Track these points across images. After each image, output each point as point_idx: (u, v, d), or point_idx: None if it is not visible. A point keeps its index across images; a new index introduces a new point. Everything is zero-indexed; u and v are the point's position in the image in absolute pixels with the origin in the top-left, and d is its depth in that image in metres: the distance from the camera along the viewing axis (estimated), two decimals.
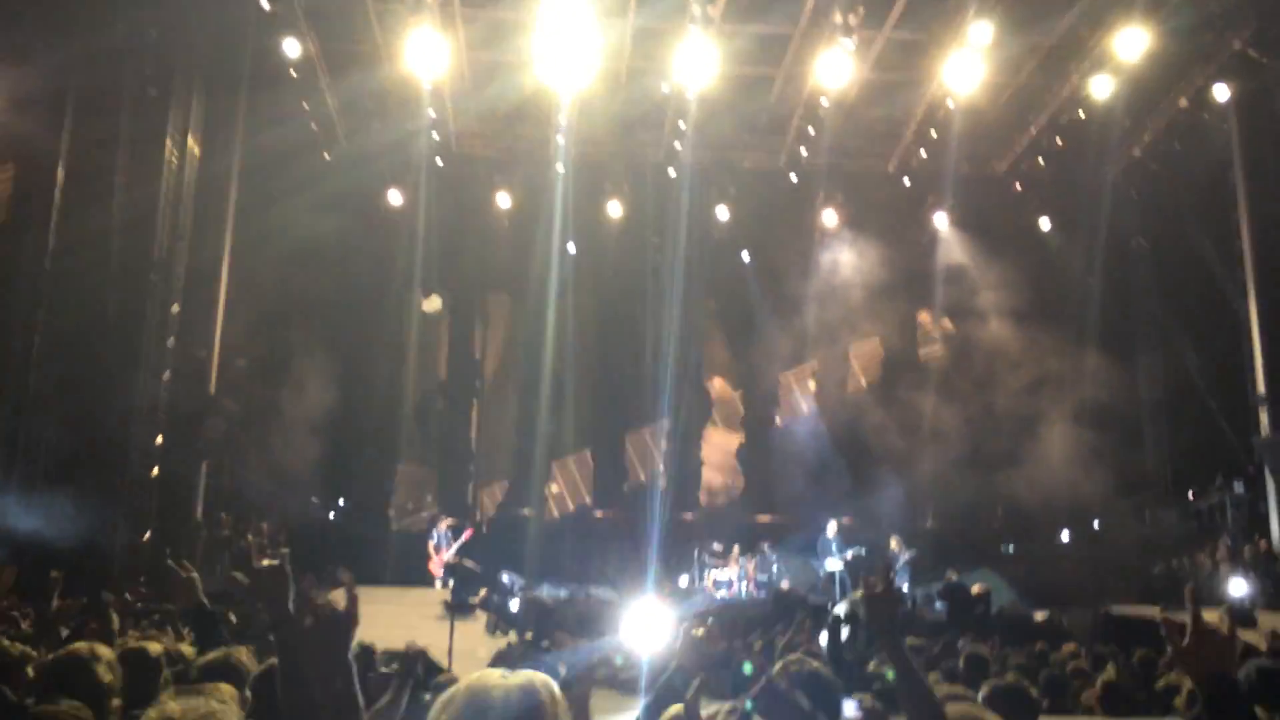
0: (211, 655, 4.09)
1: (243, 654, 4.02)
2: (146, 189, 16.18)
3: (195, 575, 5.00)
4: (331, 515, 20.36)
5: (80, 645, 3.85)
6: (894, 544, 18.91)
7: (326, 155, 20.66)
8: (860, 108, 20.10)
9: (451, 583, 16.17)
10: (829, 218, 22.61)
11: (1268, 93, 17.39)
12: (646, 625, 6.05)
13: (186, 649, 5.87)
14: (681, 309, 22.50)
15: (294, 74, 18.15)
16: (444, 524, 19.22)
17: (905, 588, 18.36)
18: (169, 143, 16.46)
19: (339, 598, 2.54)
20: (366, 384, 20.75)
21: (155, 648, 4.53)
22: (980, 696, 4.37)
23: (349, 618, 2.54)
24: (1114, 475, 18.75)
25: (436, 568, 18.43)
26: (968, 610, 15.54)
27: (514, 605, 15.06)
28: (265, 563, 2.79)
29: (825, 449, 22.28)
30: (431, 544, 18.89)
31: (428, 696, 6.46)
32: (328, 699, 2.43)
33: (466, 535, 18.72)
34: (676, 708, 3.16)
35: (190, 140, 16.87)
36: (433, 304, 22.85)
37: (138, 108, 16.13)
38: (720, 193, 22.52)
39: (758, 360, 23.48)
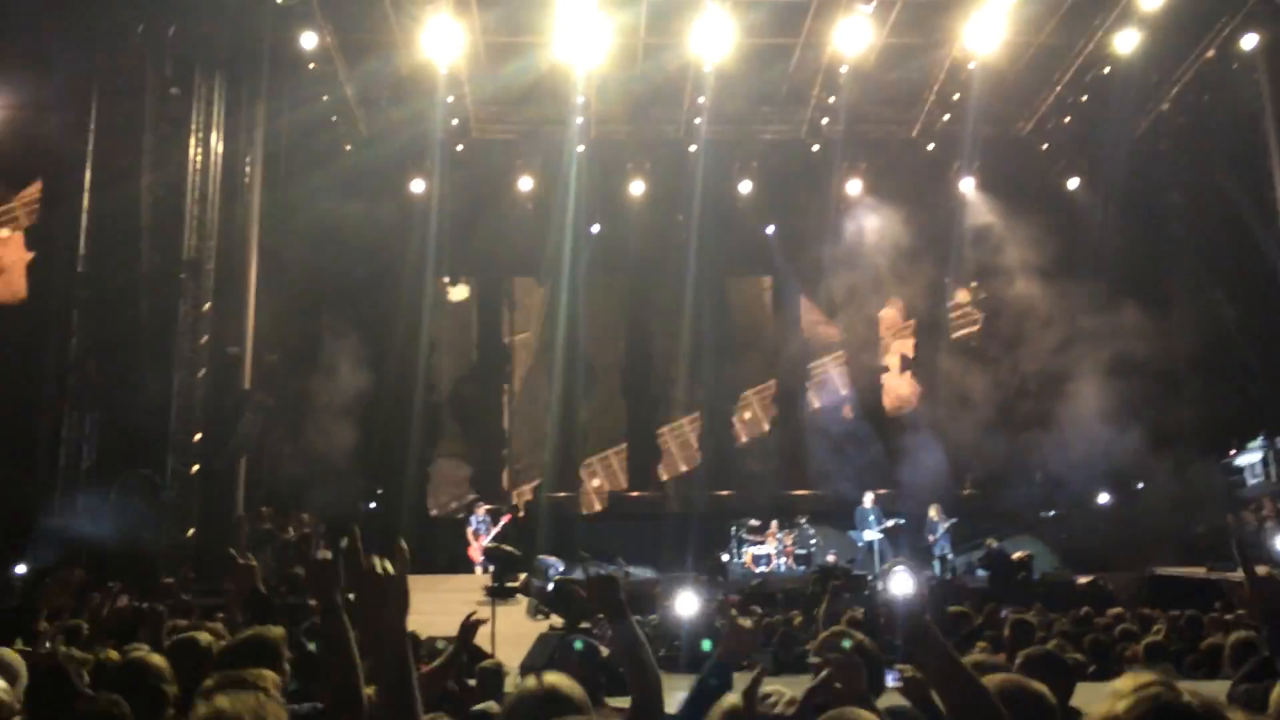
0: (245, 634, 4.12)
1: (275, 632, 4.04)
2: (173, 189, 16.34)
3: (254, 563, 5.60)
4: (371, 505, 20.51)
5: (137, 653, 3.92)
6: (933, 513, 18.84)
7: (348, 146, 20.72)
8: (880, 73, 19.87)
9: (492, 568, 16.28)
10: (853, 186, 22.42)
11: None
12: (685, 602, 6.07)
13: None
14: (709, 285, 22.49)
15: (312, 66, 18.20)
16: (482, 509, 19.37)
17: (948, 555, 18.30)
18: (193, 141, 16.58)
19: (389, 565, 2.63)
20: (398, 372, 20.84)
21: (205, 637, 4.59)
22: (1015, 665, 4.32)
23: (402, 582, 2.68)
24: (1152, 434, 18.55)
25: (476, 553, 18.55)
26: (1009, 577, 15.50)
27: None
28: (322, 554, 2.89)
29: (858, 419, 22.20)
30: (470, 530, 19.02)
31: (472, 682, 6.54)
32: (382, 667, 2.53)
33: (505, 520, 18.83)
34: (731, 699, 3.14)
35: (214, 137, 16.97)
36: (460, 292, 22.93)
37: (160, 107, 16.26)
38: (742, 166, 22.38)
39: (786, 333, 23.41)
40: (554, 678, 2.87)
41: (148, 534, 14.46)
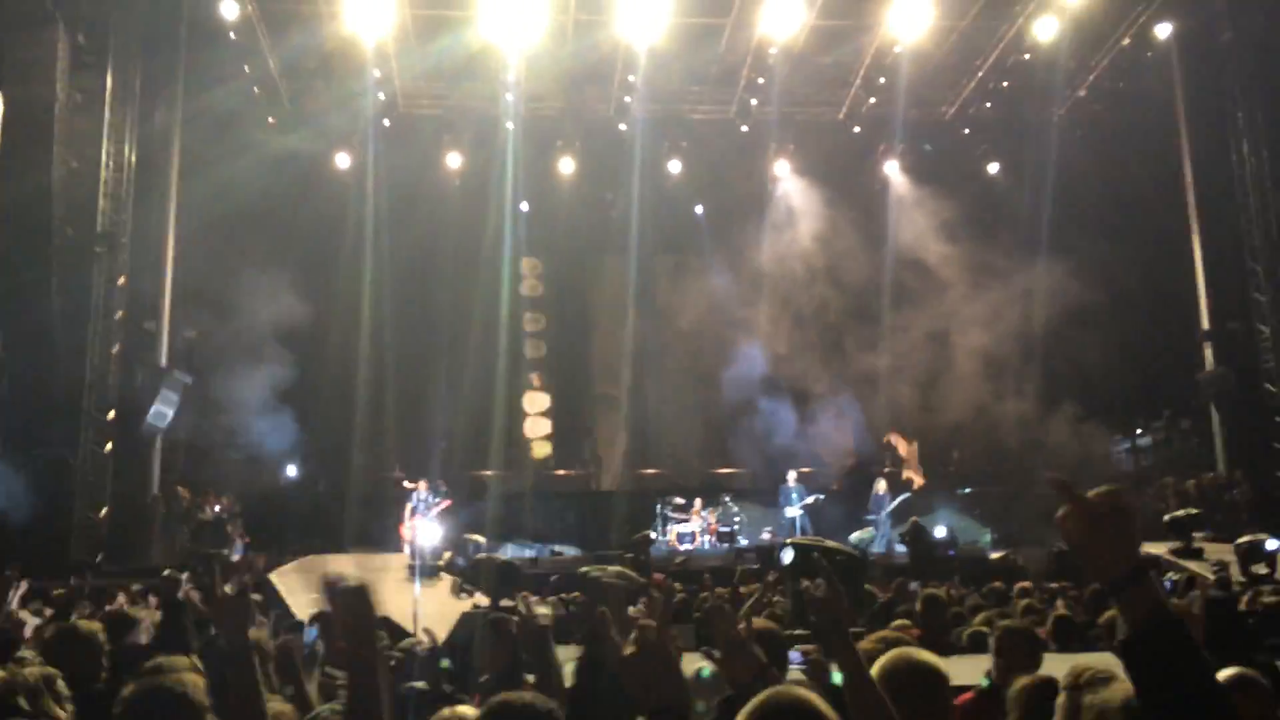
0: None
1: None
2: (85, 159, 15.88)
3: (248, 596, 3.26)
4: (292, 480, 20.18)
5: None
6: (880, 487, 18.98)
7: (271, 119, 20.31)
8: (809, 55, 20.03)
9: (409, 548, 16.18)
10: (781, 167, 22.61)
11: (1208, 30, 17.56)
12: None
13: None
14: (636, 264, 22.53)
15: (233, 36, 17.78)
16: (422, 486, 18.97)
17: (888, 532, 18.22)
18: (107, 111, 16.13)
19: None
20: (320, 349, 20.48)
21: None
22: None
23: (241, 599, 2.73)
24: (1062, 415, 19.10)
25: (409, 531, 18.33)
26: (928, 553, 15.84)
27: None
28: (227, 588, 2.81)
29: (779, 399, 22.41)
30: (409, 506, 18.68)
31: (393, 661, 6.54)
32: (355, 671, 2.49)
33: (444, 505, 18.59)
34: None
35: (128, 108, 16.52)
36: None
37: (73, 76, 15.77)
38: (672, 146, 22.42)
39: (711, 313, 23.55)
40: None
41: (58, 514, 14.11)
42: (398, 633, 8.77)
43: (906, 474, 19.92)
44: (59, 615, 9.06)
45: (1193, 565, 12.25)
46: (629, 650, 2.55)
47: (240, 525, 17.46)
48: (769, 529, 18.77)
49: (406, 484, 19.09)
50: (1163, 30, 18.18)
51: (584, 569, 11.04)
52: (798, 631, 5.10)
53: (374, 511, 19.10)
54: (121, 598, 10.68)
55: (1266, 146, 16.92)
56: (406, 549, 17.79)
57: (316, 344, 20.18)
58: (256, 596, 10.09)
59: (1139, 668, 1.78)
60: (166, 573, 11.52)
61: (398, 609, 10.54)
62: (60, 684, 3.74)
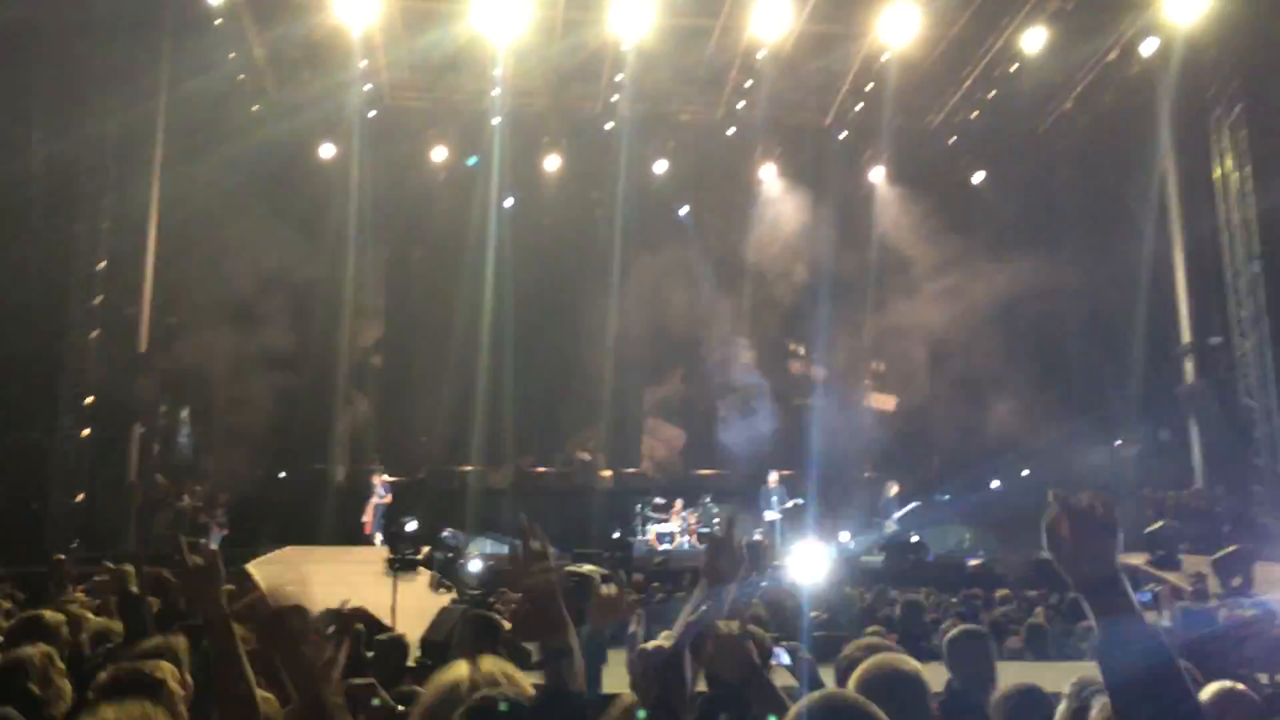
0: (147, 644, 3.92)
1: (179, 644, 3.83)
2: (66, 141, 15.70)
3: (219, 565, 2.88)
4: (280, 475, 20.10)
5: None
6: (893, 490, 18.93)
7: (256, 107, 20.17)
8: (797, 60, 20.05)
9: (380, 538, 16.20)
10: (767, 170, 22.65)
11: (1194, 45, 17.69)
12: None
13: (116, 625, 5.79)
14: (621, 263, 22.52)
15: (219, 23, 17.63)
16: (379, 479, 19.06)
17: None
18: (89, 92, 15.96)
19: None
20: (303, 341, 20.34)
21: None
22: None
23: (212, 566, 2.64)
24: (1044, 424, 19.22)
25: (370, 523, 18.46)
26: (903, 559, 15.91)
27: (472, 564, 15.04)
28: (195, 560, 2.73)
29: (763, 399, 22.45)
30: (373, 500, 18.78)
31: (370, 654, 6.49)
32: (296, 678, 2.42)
33: (387, 499, 18.66)
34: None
35: (111, 90, 16.34)
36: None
37: (56, 57, 15.60)
38: (658, 146, 22.42)
39: (694, 313, 23.58)
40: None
41: (34, 499, 13.95)
42: (376, 626, 8.71)
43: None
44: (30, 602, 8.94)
45: (1171, 577, 12.35)
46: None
47: (222, 515, 17.34)
48: (760, 531, 18.65)
49: (375, 479, 19.13)
50: (1149, 46, 18.32)
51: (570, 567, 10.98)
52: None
53: (353, 506, 19.07)
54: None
55: (1249, 163, 17.06)
56: (377, 541, 17.86)
57: (298, 335, 20.02)
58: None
59: (1113, 672, 1.83)
60: (114, 565, 11.43)
61: (376, 603, 10.47)
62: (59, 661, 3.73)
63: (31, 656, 3.63)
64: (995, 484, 20.48)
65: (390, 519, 18.14)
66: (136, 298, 16.87)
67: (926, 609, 10.08)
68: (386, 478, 19.19)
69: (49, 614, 4.92)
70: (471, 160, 21.78)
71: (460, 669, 2.39)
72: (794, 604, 8.36)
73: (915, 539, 17.20)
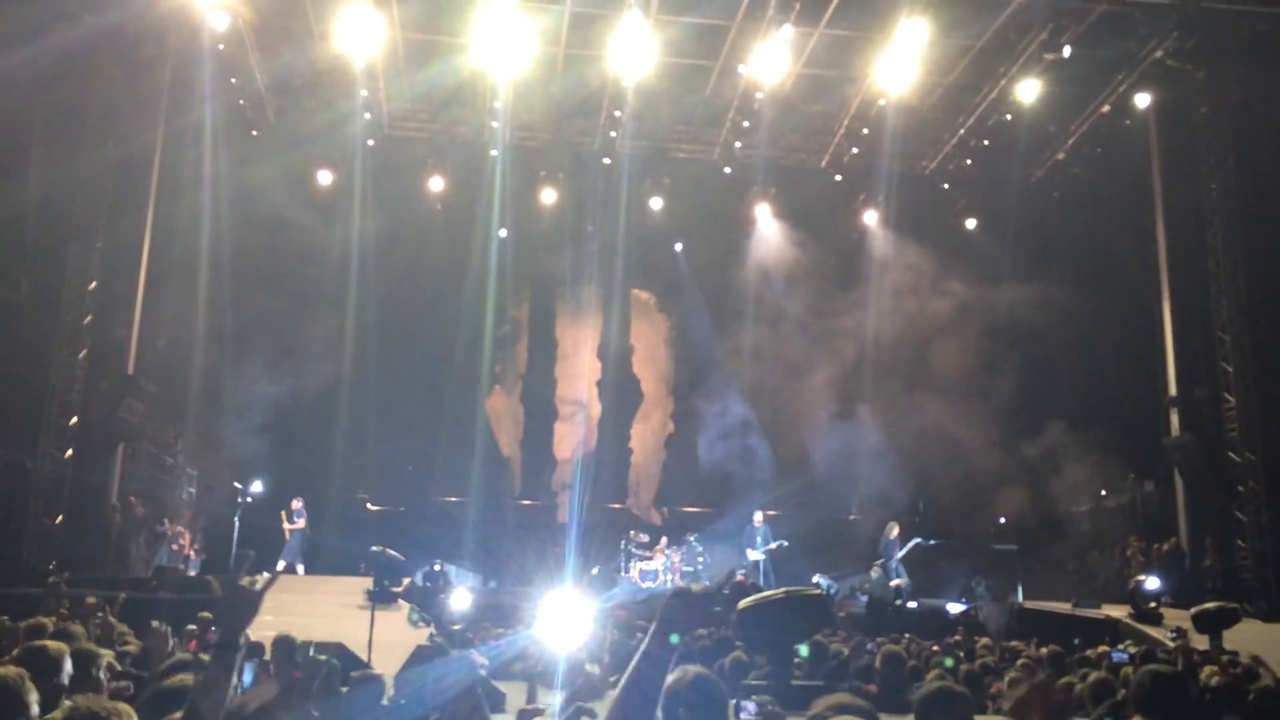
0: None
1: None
2: (63, 164, 15.74)
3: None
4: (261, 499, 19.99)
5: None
6: (894, 531, 18.78)
7: (255, 133, 20.27)
8: (795, 102, 20.23)
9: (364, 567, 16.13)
10: (762, 210, 22.75)
11: (1186, 102, 17.87)
12: (563, 619, 5.88)
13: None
14: (616, 297, 22.62)
15: (222, 48, 17.76)
16: (298, 502, 18.91)
17: (901, 580, 17.91)
18: (88, 117, 16.02)
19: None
20: (296, 370, 20.16)
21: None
22: None
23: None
24: (1029, 475, 19.26)
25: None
26: (884, 606, 15.83)
27: (458, 596, 14.89)
28: (248, 580, 2.82)
29: (753, 440, 22.44)
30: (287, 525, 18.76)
31: (345, 689, 6.42)
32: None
33: (299, 524, 18.64)
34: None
35: (110, 116, 16.41)
36: None
37: (55, 82, 15.66)
38: (654, 182, 22.55)
39: (684, 349, 23.66)
40: None
41: (14, 520, 13.86)
42: (351, 662, 8.61)
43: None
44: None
45: (1153, 631, 12.29)
46: None
47: (200, 540, 17.21)
48: (743, 570, 18.47)
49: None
50: (1142, 100, 18.49)
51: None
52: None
53: (342, 534, 18.94)
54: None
55: (1239, 217, 17.17)
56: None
57: (295, 363, 19.90)
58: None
59: None
60: (51, 579, 11.37)
61: (352, 636, 10.39)
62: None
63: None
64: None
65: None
66: (128, 320, 16.85)
67: (908, 658, 10.00)
68: (300, 504, 18.91)
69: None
70: None
71: None
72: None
73: (897, 583, 17.17)
